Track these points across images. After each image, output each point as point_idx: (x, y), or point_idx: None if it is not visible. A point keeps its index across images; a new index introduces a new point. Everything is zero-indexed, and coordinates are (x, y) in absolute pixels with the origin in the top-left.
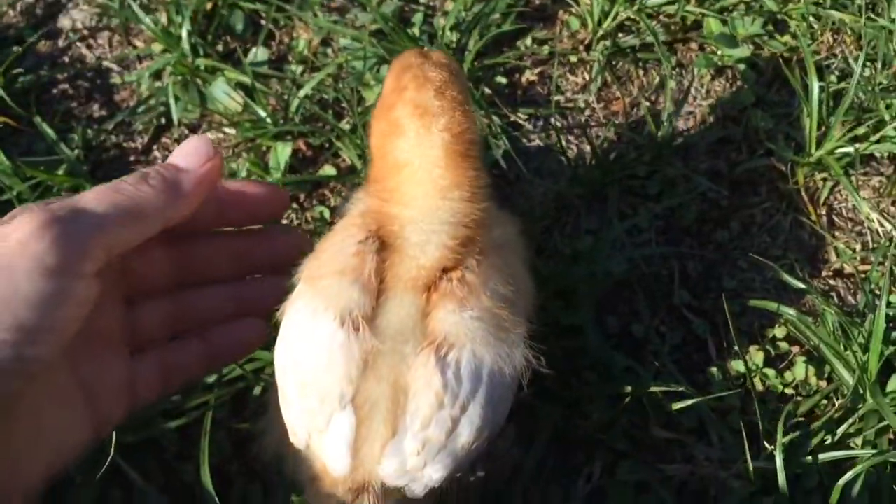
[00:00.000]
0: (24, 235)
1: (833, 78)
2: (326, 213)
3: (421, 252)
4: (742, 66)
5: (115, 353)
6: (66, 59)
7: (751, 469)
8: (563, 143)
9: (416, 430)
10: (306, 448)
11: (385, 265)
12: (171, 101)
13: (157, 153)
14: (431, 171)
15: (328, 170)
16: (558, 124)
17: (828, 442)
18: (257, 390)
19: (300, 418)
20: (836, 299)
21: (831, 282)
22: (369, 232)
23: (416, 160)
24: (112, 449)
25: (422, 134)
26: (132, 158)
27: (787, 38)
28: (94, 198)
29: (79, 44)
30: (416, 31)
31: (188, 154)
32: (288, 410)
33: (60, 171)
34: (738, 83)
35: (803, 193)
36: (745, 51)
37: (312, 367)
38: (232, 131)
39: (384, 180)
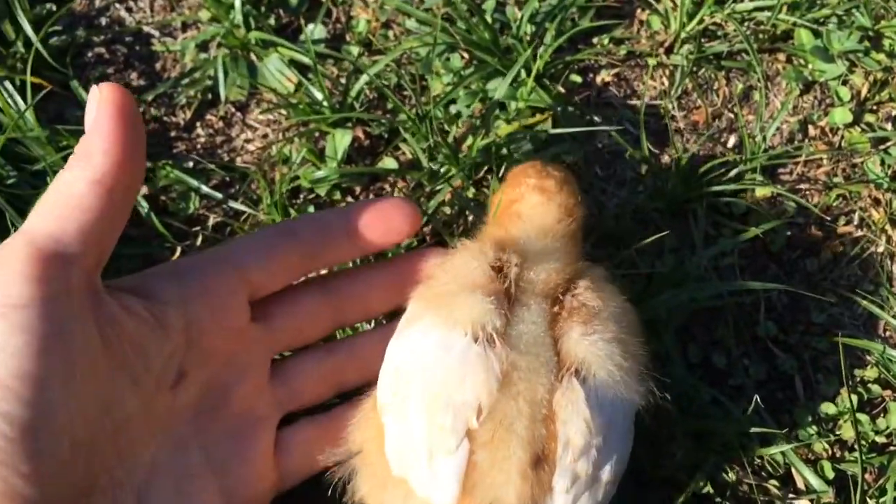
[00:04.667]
0: None
1: None
2: None
3: (542, 268)
4: (834, 83)
5: (256, 426)
6: (104, 21)
7: None
8: (643, 150)
9: (568, 462)
10: (415, 479)
11: (510, 278)
12: (220, 74)
13: (200, 130)
14: (543, 222)
15: (388, 162)
16: (635, 130)
17: None
18: None
19: (425, 441)
20: None
21: None
22: (494, 251)
23: (531, 216)
24: None
25: (541, 202)
26: (173, 134)
27: (882, 56)
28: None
29: (118, 5)
30: (488, 18)
31: (88, 115)
32: (406, 435)
33: None
34: (830, 100)
35: None
36: (839, 67)
37: (444, 383)
38: (283, 113)
39: (495, 225)
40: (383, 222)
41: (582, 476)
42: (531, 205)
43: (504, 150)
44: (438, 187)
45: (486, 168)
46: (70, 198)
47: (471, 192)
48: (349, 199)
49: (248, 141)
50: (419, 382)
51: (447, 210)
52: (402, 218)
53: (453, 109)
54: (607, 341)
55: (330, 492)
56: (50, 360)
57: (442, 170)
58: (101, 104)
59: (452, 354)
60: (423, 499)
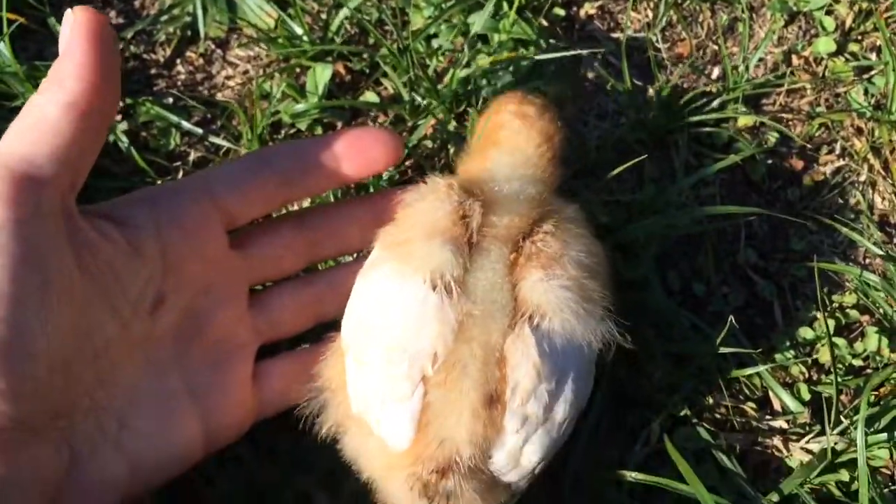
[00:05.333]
0: None
1: None
2: None
3: (507, 211)
4: (819, 13)
5: (234, 354)
6: None
7: (830, 445)
8: (626, 83)
9: (517, 405)
10: (375, 422)
11: (472, 227)
12: (199, 11)
13: (180, 67)
14: (523, 148)
15: (370, 96)
16: (619, 62)
17: None
18: None
19: (381, 385)
20: None
21: None
22: (459, 195)
23: (511, 141)
24: None
25: (521, 128)
26: (153, 71)
27: None
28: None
29: None
30: None
31: (62, 39)
32: (364, 378)
33: None
34: (814, 31)
35: (884, 152)
36: None
37: (402, 332)
38: (263, 49)
39: (474, 154)
40: (361, 152)
41: (532, 417)
42: (512, 131)
43: (485, 83)
44: (420, 121)
45: (467, 102)
46: (42, 121)
47: (452, 126)
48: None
49: (228, 77)
50: (378, 330)
51: (429, 144)
52: (381, 148)
53: (434, 43)
54: (565, 287)
55: (301, 423)
56: (24, 281)
57: (423, 103)
58: (73, 28)
59: (410, 303)
60: (380, 438)
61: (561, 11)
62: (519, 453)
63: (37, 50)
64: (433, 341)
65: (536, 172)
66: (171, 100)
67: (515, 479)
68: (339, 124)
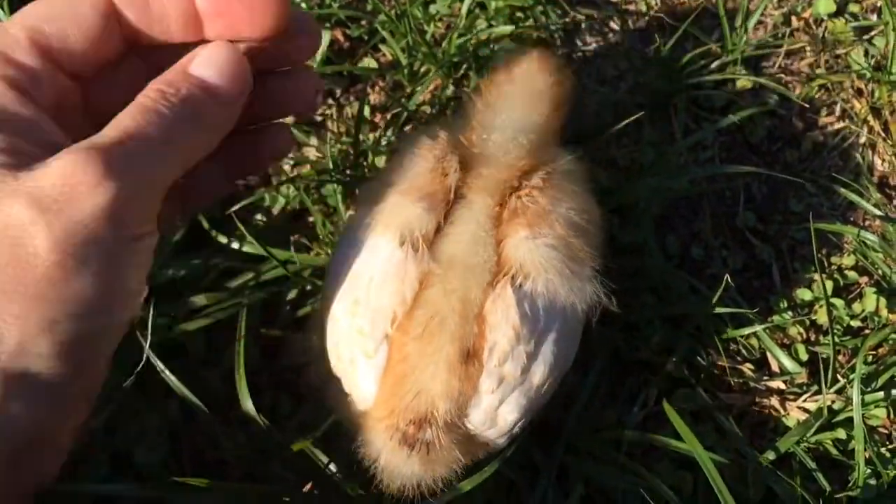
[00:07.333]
0: (97, 201)
1: None
2: (366, 111)
3: (496, 163)
4: None
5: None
6: None
7: (826, 404)
8: (625, 47)
9: (494, 365)
10: (342, 374)
11: (457, 181)
12: None
13: None
14: (525, 92)
15: (368, 62)
16: (618, 27)
17: None
18: (292, 294)
19: (348, 339)
20: None
21: None
22: (444, 150)
23: (517, 84)
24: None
25: (528, 71)
26: None
27: None
28: (136, 129)
29: None
30: None
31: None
32: (335, 330)
33: None
34: None
35: (884, 113)
36: None
37: (367, 285)
38: None
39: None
40: (224, 12)
41: (508, 378)
42: (526, 70)
43: (483, 50)
44: (419, 87)
45: (466, 67)
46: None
47: (450, 91)
48: (329, 101)
49: None
50: (345, 284)
51: (427, 109)
52: (248, 9)
53: (432, 9)
54: (550, 246)
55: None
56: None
57: (422, 69)
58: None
59: (375, 259)
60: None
61: None
62: (495, 413)
63: None
64: (391, 299)
65: (538, 115)
66: None
67: (494, 436)
68: (338, 91)
